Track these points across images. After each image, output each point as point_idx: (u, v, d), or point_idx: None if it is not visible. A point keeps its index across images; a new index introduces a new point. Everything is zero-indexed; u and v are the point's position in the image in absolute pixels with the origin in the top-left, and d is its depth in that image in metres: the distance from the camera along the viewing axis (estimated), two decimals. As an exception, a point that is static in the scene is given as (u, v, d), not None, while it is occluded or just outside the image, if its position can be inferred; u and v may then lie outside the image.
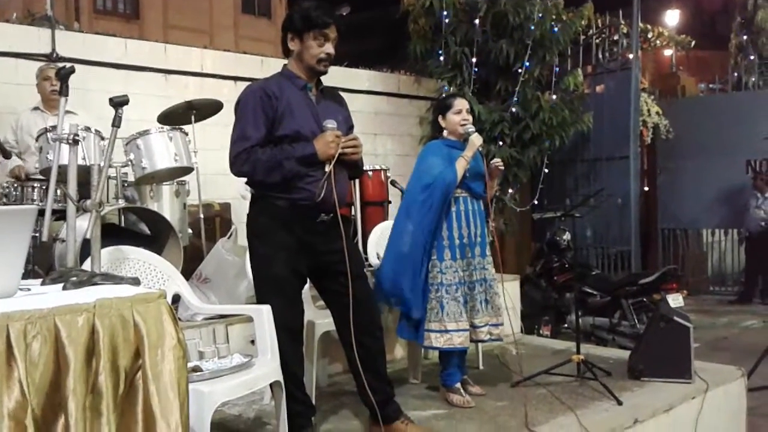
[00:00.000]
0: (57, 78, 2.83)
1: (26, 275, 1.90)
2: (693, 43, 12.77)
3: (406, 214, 3.40)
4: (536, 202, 7.25)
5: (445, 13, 6.57)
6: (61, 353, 1.61)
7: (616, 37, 8.32)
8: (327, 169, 2.68)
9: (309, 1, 2.78)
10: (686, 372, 3.65)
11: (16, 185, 3.96)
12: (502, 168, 3.45)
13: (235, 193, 4.87)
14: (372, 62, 7.97)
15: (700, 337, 5.33)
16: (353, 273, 2.73)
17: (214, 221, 5.06)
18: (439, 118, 3.48)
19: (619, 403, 3.32)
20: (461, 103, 3.46)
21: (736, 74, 9.60)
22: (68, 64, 2.83)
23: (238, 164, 2.70)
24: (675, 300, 5.10)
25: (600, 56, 8.11)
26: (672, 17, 15.96)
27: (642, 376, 3.72)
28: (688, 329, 3.69)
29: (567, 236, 6.19)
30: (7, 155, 4.03)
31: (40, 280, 2.14)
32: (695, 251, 9.81)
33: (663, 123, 8.78)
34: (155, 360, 1.68)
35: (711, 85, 10.33)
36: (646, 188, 9.34)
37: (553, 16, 6.80)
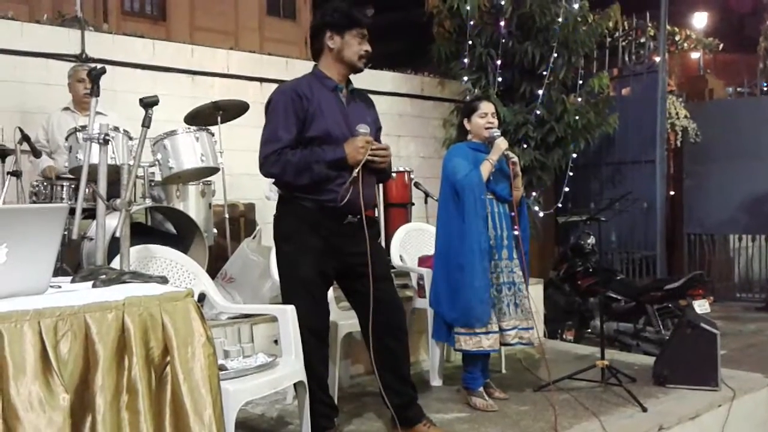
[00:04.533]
0: (89, 79, 2.87)
1: (55, 273, 1.93)
2: (721, 46, 12.57)
3: (441, 219, 3.44)
4: (560, 206, 7.19)
5: (470, 14, 6.55)
6: (90, 350, 1.63)
7: (642, 40, 8.22)
8: (354, 173, 2.68)
9: (339, 1, 2.80)
10: (712, 379, 3.61)
11: (45, 183, 4.02)
12: (516, 161, 3.42)
13: (260, 194, 4.91)
14: (396, 64, 7.97)
15: (727, 344, 5.25)
16: (378, 275, 2.74)
17: (238, 221, 5.10)
18: (465, 121, 3.50)
19: (644, 409, 3.29)
20: (487, 107, 3.45)
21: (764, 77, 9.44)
22: (98, 65, 2.88)
23: (267, 165, 2.71)
24: (701, 306, 5.05)
25: (626, 59, 8.03)
26: (700, 20, 15.74)
27: (667, 382, 3.68)
28: (714, 336, 3.64)
29: (591, 240, 6.13)
30: (38, 154, 4.12)
31: (70, 277, 2.17)
32: (722, 257, 9.66)
33: (692, 126, 8.67)
34: (185, 357, 1.70)
35: (739, 89, 10.16)
36: (672, 192, 9.22)
37: (579, 18, 6.75)
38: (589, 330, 5.97)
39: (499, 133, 3.39)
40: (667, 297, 5.39)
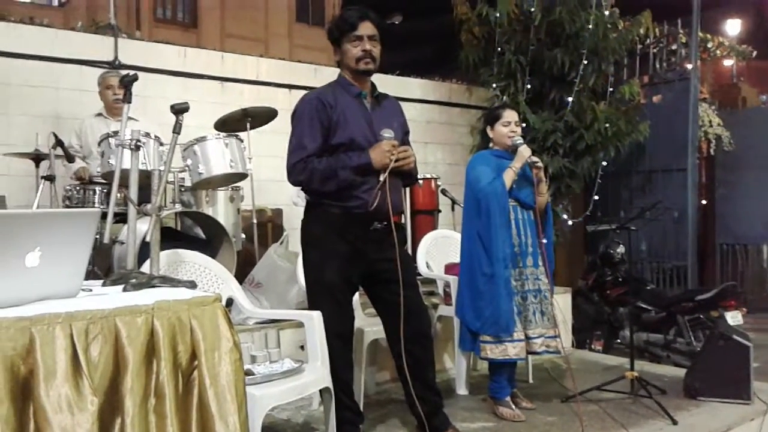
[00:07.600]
0: (121, 85, 2.91)
1: (86, 276, 1.95)
2: (755, 53, 12.36)
3: (465, 227, 3.42)
4: (589, 214, 7.12)
5: (499, 21, 6.52)
6: (120, 353, 1.65)
7: (674, 47, 8.11)
8: (381, 178, 2.69)
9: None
10: (745, 392, 3.54)
11: (78, 188, 4.09)
12: (540, 165, 3.38)
13: (287, 200, 4.93)
14: (423, 71, 7.98)
15: (760, 356, 5.13)
16: (404, 281, 2.72)
17: (266, 227, 5.13)
18: (488, 129, 3.49)
19: (675, 422, 3.24)
20: (510, 115, 3.43)
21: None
22: (131, 72, 2.92)
23: (294, 174, 2.73)
24: (734, 317, 4.96)
25: (657, 66, 7.93)
26: (733, 27, 15.50)
27: (698, 395, 3.62)
28: (747, 348, 3.57)
29: (621, 249, 6.05)
30: (71, 159, 4.19)
31: (101, 281, 2.20)
32: (755, 268, 9.47)
33: (725, 134, 8.53)
34: (212, 362, 1.71)
35: (773, 97, 9.98)
36: (704, 201, 9.08)
37: (609, 25, 6.68)
38: (619, 340, 5.89)
39: (521, 141, 3.37)
40: (698, 308, 5.30)
